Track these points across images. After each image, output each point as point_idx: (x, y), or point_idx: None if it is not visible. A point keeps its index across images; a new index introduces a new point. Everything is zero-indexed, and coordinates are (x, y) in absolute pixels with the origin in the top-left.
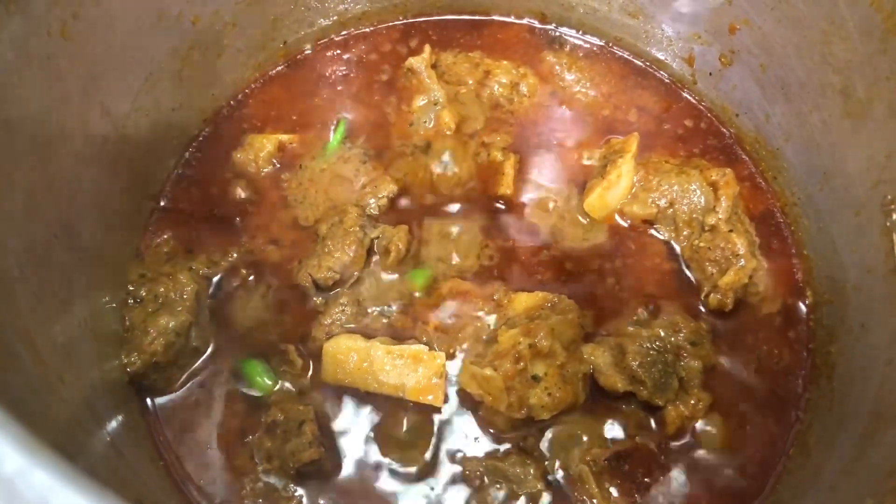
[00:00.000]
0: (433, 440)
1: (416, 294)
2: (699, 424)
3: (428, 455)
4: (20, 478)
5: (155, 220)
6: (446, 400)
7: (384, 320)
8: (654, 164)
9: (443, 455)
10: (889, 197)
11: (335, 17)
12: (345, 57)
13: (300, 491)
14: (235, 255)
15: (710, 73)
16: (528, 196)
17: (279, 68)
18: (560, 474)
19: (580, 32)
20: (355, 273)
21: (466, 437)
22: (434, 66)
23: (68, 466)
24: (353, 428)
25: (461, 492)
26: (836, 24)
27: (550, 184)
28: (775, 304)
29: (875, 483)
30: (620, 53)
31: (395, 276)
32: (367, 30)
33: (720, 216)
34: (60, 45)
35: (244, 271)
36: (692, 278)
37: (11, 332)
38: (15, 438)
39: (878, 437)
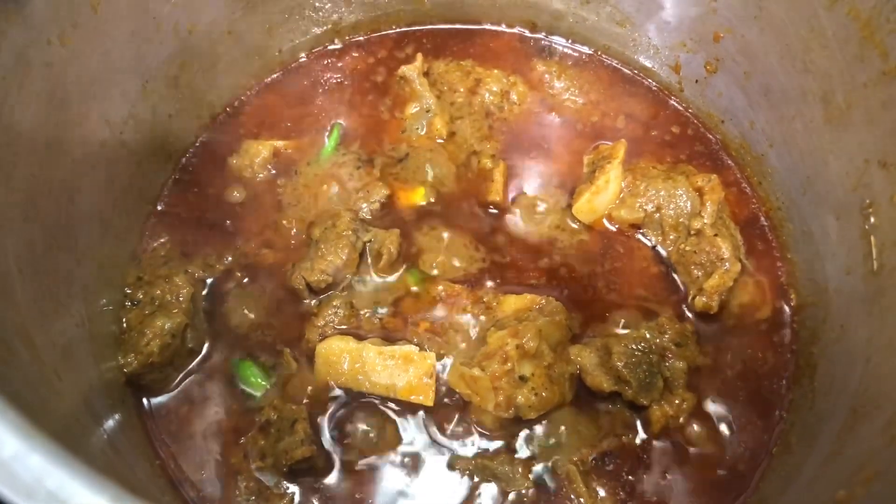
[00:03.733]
0: (423, 439)
1: (408, 296)
2: (684, 424)
3: (417, 454)
4: (17, 461)
5: (152, 224)
6: (436, 399)
7: (376, 322)
8: (641, 169)
9: (432, 454)
10: (867, 201)
11: (329, 26)
12: (339, 65)
13: (292, 488)
14: (230, 258)
15: (696, 81)
16: (517, 202)
17: (274, 76)
18: (547, 473)
19: (569, 41)
20: (348, 276)
21: (456, 436)
22: (426, 74)
23: (63, 451)
24: (345, 427)
25: (450, 490)
26: (815, 32)
27: (540, 189)
28: (760, 307)
29: (848, 475)
30: (609, 61)
31: (387, 279)
32: (361, 38)
33: (706, 221)
34: (60, 53)
35: (239, 274)
36: (678, 281)
37: (10, 329)
38: (12, 423)
39: (854, 432)
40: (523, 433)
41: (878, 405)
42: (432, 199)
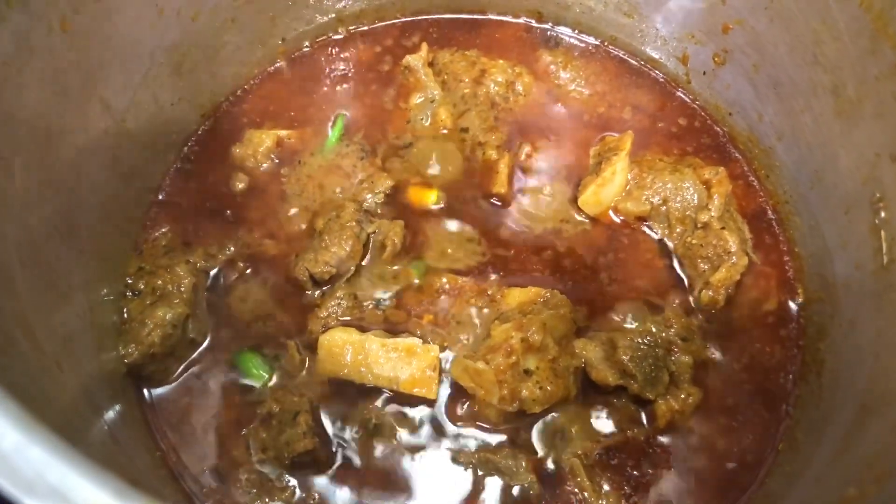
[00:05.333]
0: (426, 432)
1: (411, 288)
2: (689, 419)
3: (421, 447)
4: (17, 453)
5: (153, 214)
6: (439, 392)
7: (379, 314)
8: (648, 161)
9: (436, 447)
10: (877, 195)
11: (333, 15)
12: (343, 54)
13: (294, 481)
14: (233, 248)
15: (704, 73)
16: (522, 193)
17: (278, 64)
18: (552, 467)
19: (576, 31)
20: (351, 267)
21: (459, 429)
22: (431, 65)
23: (64, 443)
24: (348, 419)
25: (454, 484)
26: (826, 24)
27: (545, 181)
28: (767, 301)
29: (858, 472)
30: (615, 52)
31: (391, 270)
32: (366, 27)
33: (713, 214)
34: (61, 39)
35: (241, 265)
36: (684, 275)
37: (10, 319)
38: (12, 415)
39: (863, 429)
40: (527, 427)
41: (888, 402)
42: (442, 205)
